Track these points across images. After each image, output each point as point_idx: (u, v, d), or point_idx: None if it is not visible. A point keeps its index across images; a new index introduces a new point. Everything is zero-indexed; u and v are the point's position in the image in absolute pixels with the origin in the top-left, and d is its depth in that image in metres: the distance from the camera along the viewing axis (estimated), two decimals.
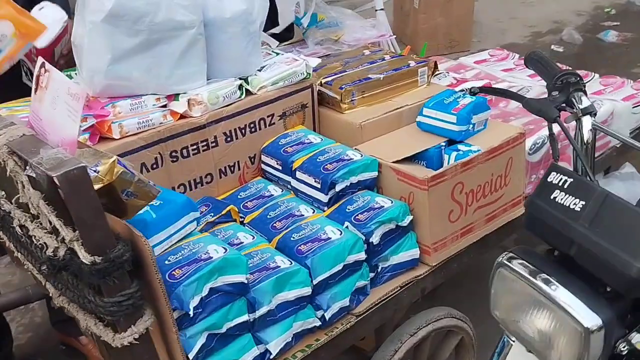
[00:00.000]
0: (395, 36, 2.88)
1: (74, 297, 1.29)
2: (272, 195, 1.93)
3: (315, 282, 1.62)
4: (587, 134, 1.30)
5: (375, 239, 1.75)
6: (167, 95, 1.83)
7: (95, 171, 1.16)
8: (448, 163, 1.95)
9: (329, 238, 1.67)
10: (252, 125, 1.96)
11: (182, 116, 1.83)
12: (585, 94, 1.36)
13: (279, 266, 1.57)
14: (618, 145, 2.52)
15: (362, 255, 1.71)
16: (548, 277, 1.08)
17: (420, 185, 1.81)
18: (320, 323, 1.66)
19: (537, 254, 1.17)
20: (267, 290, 1.52)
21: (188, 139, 1.82)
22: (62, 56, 1.98)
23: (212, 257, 1.42)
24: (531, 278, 1.09)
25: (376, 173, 1.92)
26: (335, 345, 1.71)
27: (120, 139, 1.71)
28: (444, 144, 2.02)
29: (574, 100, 1.34)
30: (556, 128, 1.36)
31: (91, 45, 1.71)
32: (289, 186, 1.95)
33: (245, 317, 1.49)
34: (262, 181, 2.01)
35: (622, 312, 1.08)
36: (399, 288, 1.84)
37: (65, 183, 1.07)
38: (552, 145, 1.34)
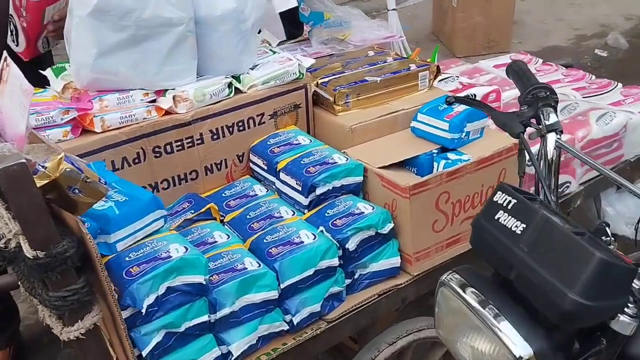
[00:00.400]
0: (404, 37, 2.81)
1: (28, 288, 1.31)
2: (256, 195, 1.92)
3: (283, 286, 1.60)
4: (550, 152, 1.23)
5: (351, 245, 1.72)
6: (155, 90, 1.85)
7: (43, 167, 1.17)
8: (437, 171, 1.89)
9: (302, 242, 1.65)
10: (240, 123, 1.96)
11: (168, 112, 1.83)
12: (555, 109, 1.29)
13: (246, 268, 1.56)
14: (632, 159, 2.41)
15: (335, 262, 1.68)
16: (486, 300, 1.04)
17: (402, 193, 1.77)
18: (288, 327, 1.65)
19: (481, 275, 1.12)
20: (230, 291, 1.52)
21: (172, 135, 1.83)
22: (52, 21, 1.98)
23: (171, 257, 1.42)
24: (469, 300, 1.05)
25: (361, 178, 1.88)
26: (304, 351, 1.69)
27: (102, 132, 1.73)
28: (436, 151, 1.97)
29: (541, 116, 1.28)
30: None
31: (78, 39, 1.73)
32: (274, 187, 1.94)
33: (205, 318, 1.49)
34: (249, 180, 2.00)
35: (564, 341, 1.03)
36: (377, 296, 1.81)
37: (4, 178, 1.08)
38: (518, 161, 1.28)
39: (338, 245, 1.70)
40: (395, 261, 1.83)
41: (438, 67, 2.24)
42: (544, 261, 0.96)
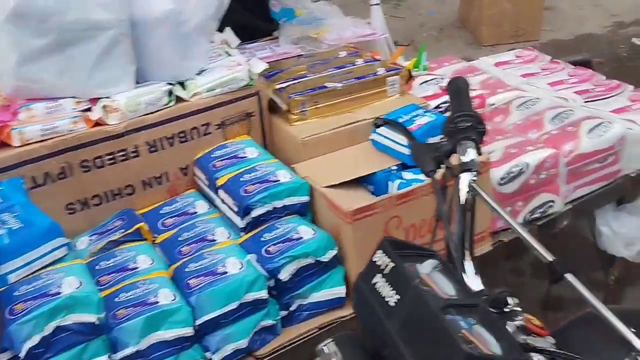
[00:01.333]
0: (388, 35, 2.59)
1: None
2: (195, 213, 1.77)
3: (199, 322, 1.45)
4: (463, 196, 1.04)
5: (283, 275, 1.55)
6: (90, 99, 1.72)
7: None
8: (391, 191, 1.71)
9: (226, 272, 1.50)
10: (182, 134, 1.81)
11: (98, 123, 1.70)
12: (477, 143, 1.09)
13: (158, 302, 1.42)
14: (633, 174, 2.16)
15: (264, 294, 1.52)
16: None
17: (344, 218, 1.60)
18: None
19: (362, 345, 0.95)
20: (134, 329, 1.38)
21: (102, 148, 1.70)
22: None
23: (60, 293, 1.30)
24: None
25: (307, 198, 1.71)
26: None
27: (20, 146, 1.61)
28: (395, 167, 1.78)
29: (459, 151, 1.08)
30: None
31: None
32: (215, 204, 1.79)
33: (104, 358, 1.36)
34: (193, 195, 1.85)
35: None
36: (317, 329, 1.64)
37: None
38: (436, 201, 1.08)
39: (268, 275, 1.54)
40: (340, 291, 1.66)
41: (409, 71, 2.04)
42: (412, 345, 0.79)
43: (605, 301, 2.60)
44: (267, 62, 2.16)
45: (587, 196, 2.07)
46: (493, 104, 2.34)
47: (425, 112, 1.85)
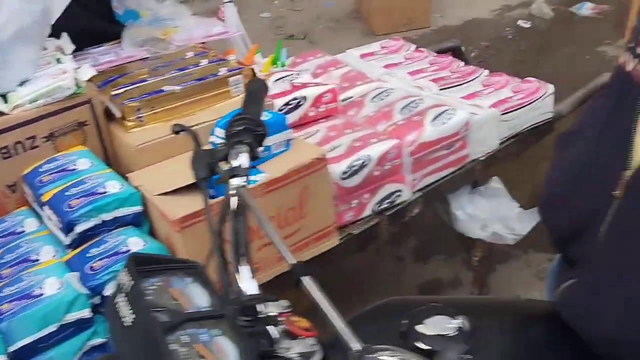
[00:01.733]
0: (243, 32, 2.55)
1: None
2: (23, 232, 1.68)
3: (13, 348, 1.38)
4: (233, 202, 1.01)
5: (109, 292, 1.49)
6: None
7: None
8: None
9: (42, 294, 1.42)
10: (4, 150, 1.71)
11: None
12: (251, 147, 1.07)
13: None
14: (483, 158, 2.21)
15: (87, 313, 1.45)
16: None
17: (173, 226, 1.55)
18: None
19: None
20: None
21: None
22: None
23: None
24: None
25: (139, 207, 1.65)
26: None
27: None
28: None
29: (231, 156, 1.06)
30: None
31: None
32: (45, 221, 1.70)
33: None
34: (24, 213, 1.76)
35: None
36: None
37: None
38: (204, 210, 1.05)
39: (91, 293, 1.48)
40: None
41: (253, 69, 2.00)
42: None
43: (474, 282, 2.64)
44: (111, 67, 2.09)
45: (438, 183, 2.10)
46: (350, 97, 2.35)
47: (265, 111, 1.81)
